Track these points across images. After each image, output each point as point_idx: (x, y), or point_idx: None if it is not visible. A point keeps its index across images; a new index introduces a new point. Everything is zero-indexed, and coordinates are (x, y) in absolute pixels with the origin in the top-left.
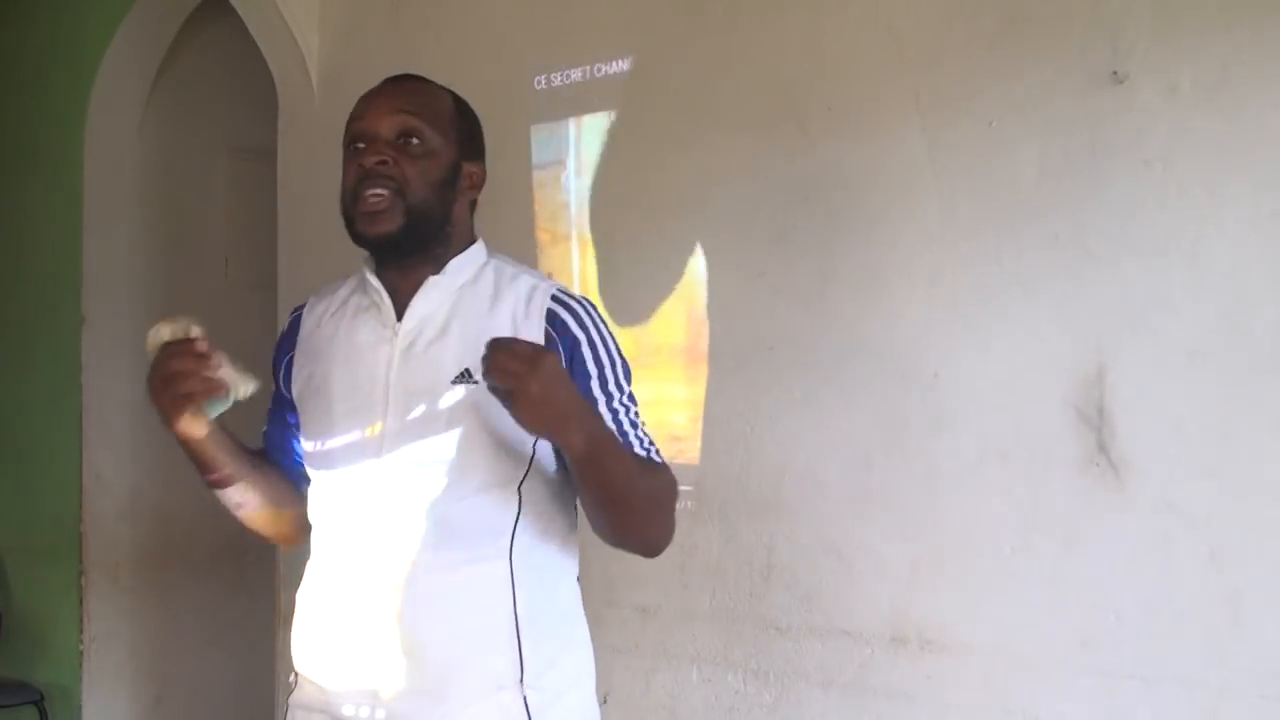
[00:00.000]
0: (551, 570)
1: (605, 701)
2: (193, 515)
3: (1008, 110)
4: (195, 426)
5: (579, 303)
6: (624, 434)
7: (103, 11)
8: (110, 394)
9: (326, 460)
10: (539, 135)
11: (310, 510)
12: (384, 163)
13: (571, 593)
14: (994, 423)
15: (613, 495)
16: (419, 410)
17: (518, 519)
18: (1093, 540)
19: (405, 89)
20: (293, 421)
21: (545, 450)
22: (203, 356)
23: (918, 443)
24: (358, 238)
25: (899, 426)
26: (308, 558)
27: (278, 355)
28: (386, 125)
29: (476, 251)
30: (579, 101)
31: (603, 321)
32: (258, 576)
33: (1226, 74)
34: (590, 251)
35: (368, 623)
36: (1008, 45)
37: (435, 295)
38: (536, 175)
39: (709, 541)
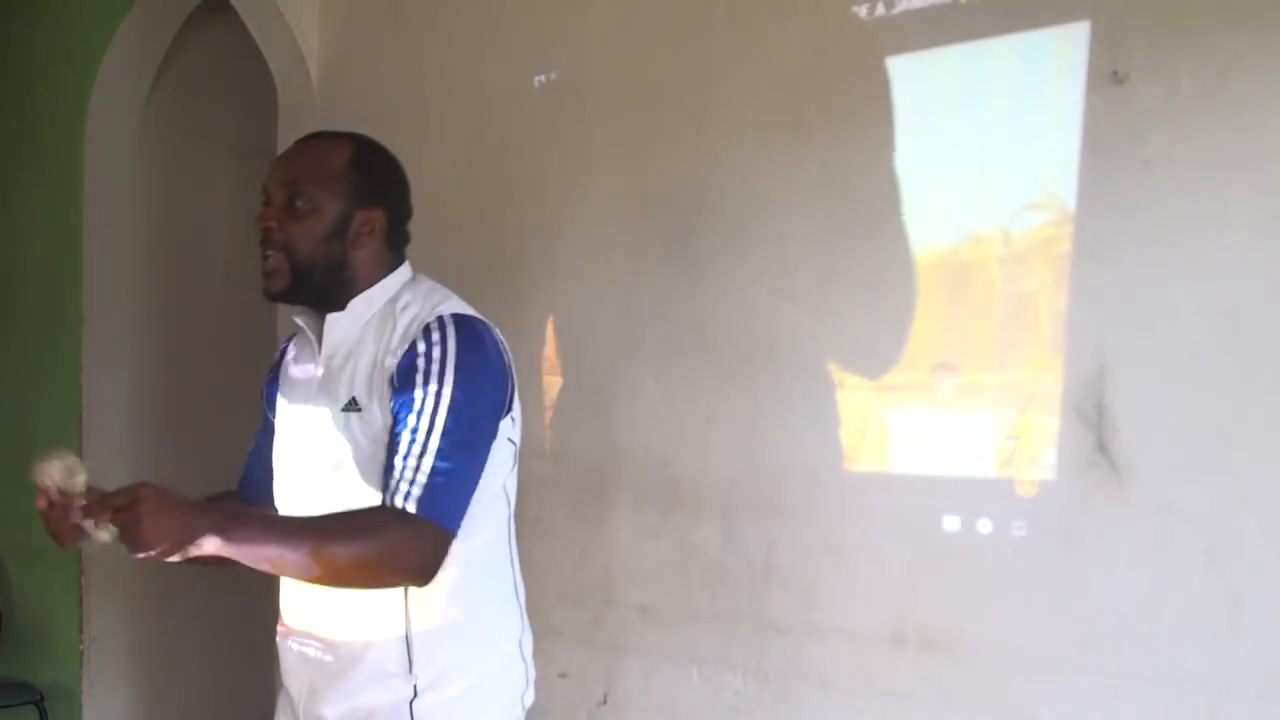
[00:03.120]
0: (453, 573)
1: (605, 702)
2: None
3: (1007, 110)
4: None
5: (440, 335)
6: (404, 458)
7: (103, 11)
8: (110, 394)
9: (283, 478)
10: (539, 135)
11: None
12: (269, 228)
13: (483, 597)
14: (993, 422)
15: (268, 566)
16: (321, 432)
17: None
18: (1093, 540)
19: (299, 152)
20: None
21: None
22: (65, 509)
23: (917, 442)
24: (264, 292)
25: (898, 426)
26: None
27: (267, 382)
28: (277, 191)
29: (383, 286)
30: (579, 101)
31: (459, 358)
32: (258, 577)
33: (1227, 75)
34: (590, 251)
35: (308, 613)
36: (1007, 45)
37: (339, 329)
38: (537, 175)
39: (709, 541)
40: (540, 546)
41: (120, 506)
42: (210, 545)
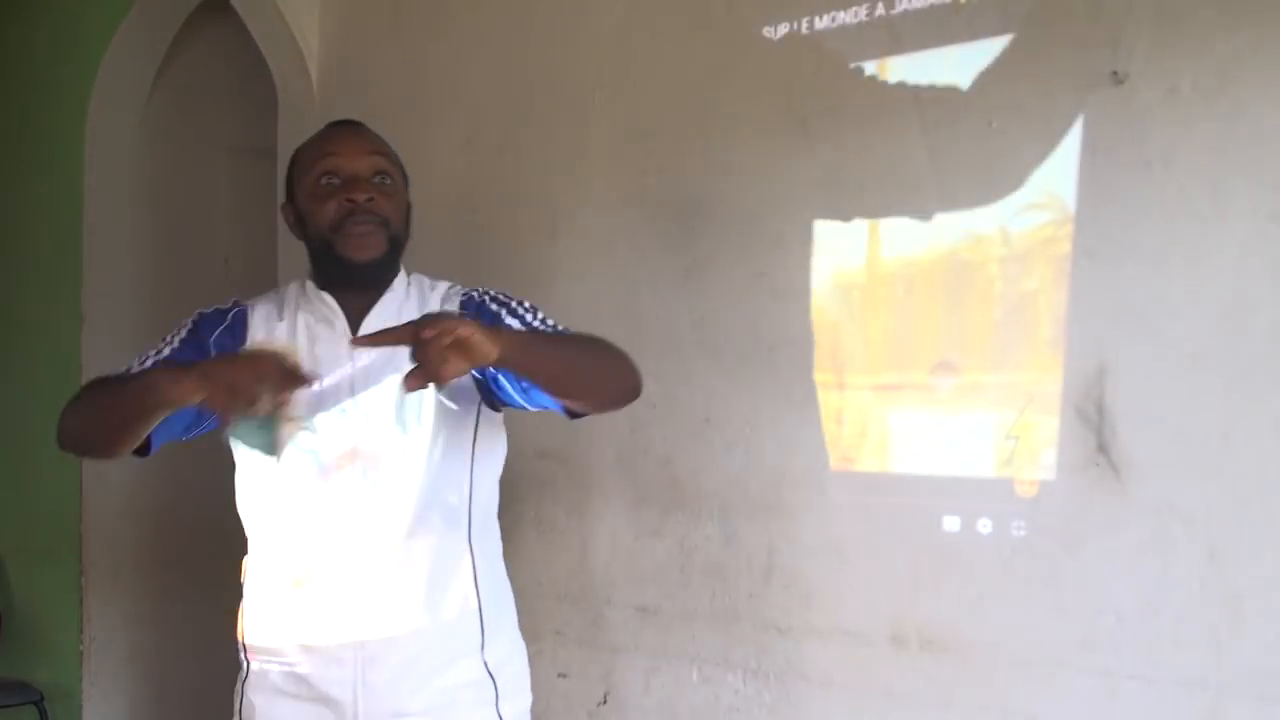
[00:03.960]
0: (494, 545)
1: (605, 701)
2: (193, 515)
3: (1008, 110)
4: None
5: (488, 292)
6: (549, 329)
7: (103, 11)
8: None
9: (299, 452)
10: (539, 135)
11: (277, 500)
12: (373, 199)
13: (500, 563)
14: (993, 422)
15: (555, 369)
16: (382, 413)
17: (470, 500)
18: (1093, 540)
19: (363, 132)
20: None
21: (488, 427)
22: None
23: (917, 442)
24: (343, 262)
25: (899, 426)
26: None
27: (205, 332)
28: (365, 165)
29: (403, 273)
30: (579, 100)
31: (514, 298)
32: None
33: (1227, 75)
34: (590, 251)
35: (351, 601)
36: (1008, 45)
37: (391, 307)
38: (536, 175)
39: (709, 541)
40: (540, 546)
41: (430, 323)
42: (497, 349)
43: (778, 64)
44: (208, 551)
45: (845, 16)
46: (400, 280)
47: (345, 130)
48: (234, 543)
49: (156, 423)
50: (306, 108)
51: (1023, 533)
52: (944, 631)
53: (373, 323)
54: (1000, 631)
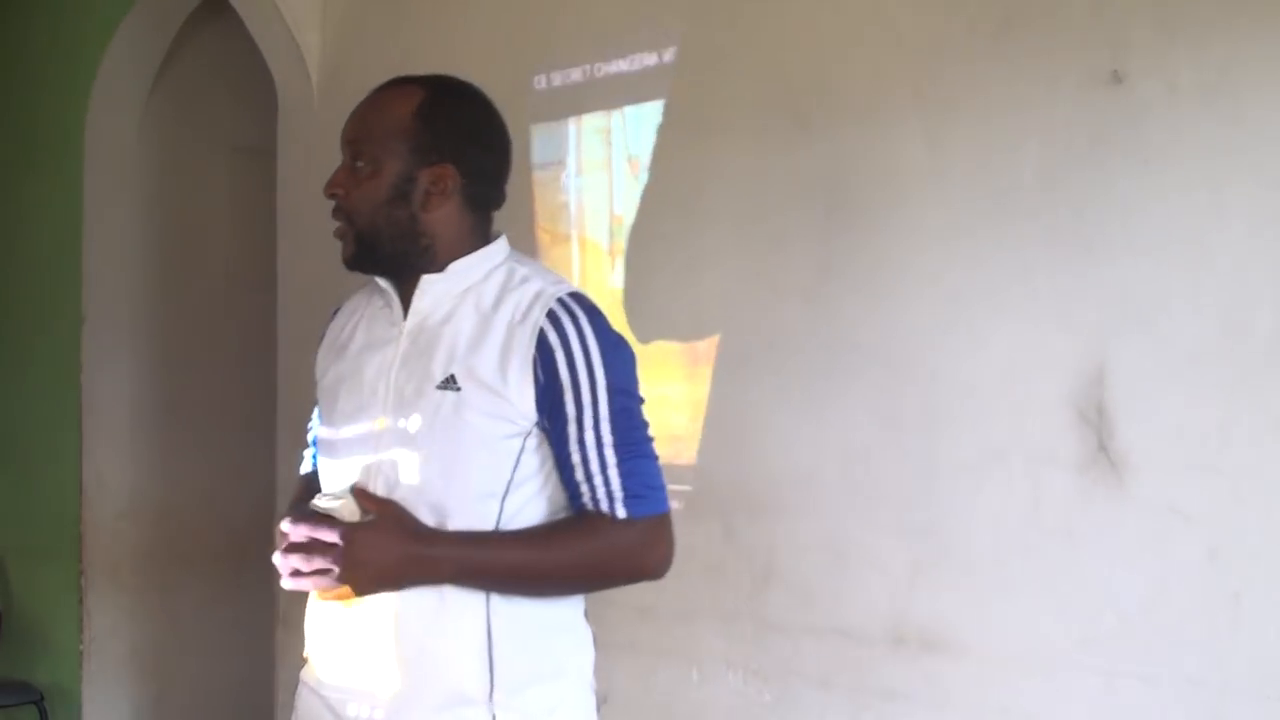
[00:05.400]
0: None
1: (605, 701)
2: (193, 515)
3: (1008, 110)
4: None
5: (576, 327)
6: (588, 475)
7: (103, 11)
8: (110, 394)
9: (333, 453)
10: (539, 135)
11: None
12: (335, 195)
13: (563, 611)
14: (993, 422)
15: (515, 589)
16: (407, 413)
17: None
18: (1093, 540)
19: (365, 105)
20: None
21: (529, 463)
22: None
23: (917, 442)
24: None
25: (899, 426)
26: None
27: (318, 354)
28: (345, 151)
29: (487, 253)
30: (579, 101)
31: (600, 344)
32: (258, 576)
33: (1226, 74)
34: (590, 251)
35: (351, 621)
36: (1008, 44)
37: (432, 294)
38: (536, 175)
39: (709, 541)
40: None
41: (331, 550)
42: (441, 576)
43: (778, 63)
44: (208, 551)
45: (846, 15)
46: (466, 265)
47: (359, 104)
48: (234, 542)
49: None
50: (306, 108)
51: (1023, 533)
52: (944, 631)
53: (416, 309)
54: (1000, 631)
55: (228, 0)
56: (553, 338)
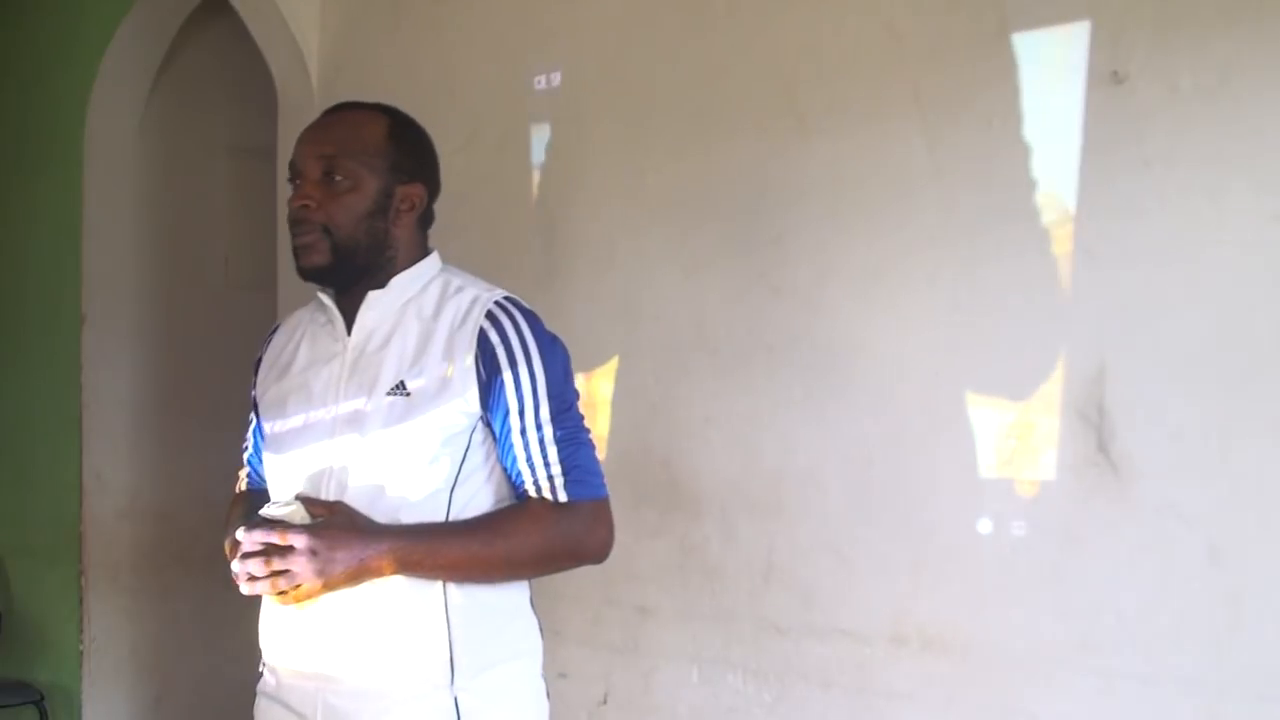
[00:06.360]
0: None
1: (605, 701)
2: (193, 515)
3: (1008, 110)
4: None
5: (514, 325)
6: (529, 463)
7: (103, 11)
8: (110, 394)
9: (282, 465)
10: (539, 135)
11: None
12: (306, 206)
13: (512, 597)
14: (993, 423)
15: (467, 576)
16: (358, 421)
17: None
18: (1093, 540)
19: (332, 123)
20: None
21: (475, 456)
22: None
23: (918, 442)
24: (298, 270)
25: (899, 426)
26: None
27: (255, 375)
28: (312, 165)
29: (424, 266)
30: (578, 101)
31: (537, 342)
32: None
33: (1226, 74)
34: (590, 251)
35: (312, 618)
36: (1008, 45)
37: (378, 308)
38: (537, 175)
39: (709, 541)
40: None
41: (284, 554)
42: (385, 568)
43: (778, 64)
44: (208, 552)
45: (845, 15)
46: (405, 279)
47: (315, 123)
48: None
49: None
50: (306, 108)
51: (1023, 533)
52: (944, 631)
53: (362, 324)
54: (1000, 631)
55: (228, 0)
56: (493, 336)
